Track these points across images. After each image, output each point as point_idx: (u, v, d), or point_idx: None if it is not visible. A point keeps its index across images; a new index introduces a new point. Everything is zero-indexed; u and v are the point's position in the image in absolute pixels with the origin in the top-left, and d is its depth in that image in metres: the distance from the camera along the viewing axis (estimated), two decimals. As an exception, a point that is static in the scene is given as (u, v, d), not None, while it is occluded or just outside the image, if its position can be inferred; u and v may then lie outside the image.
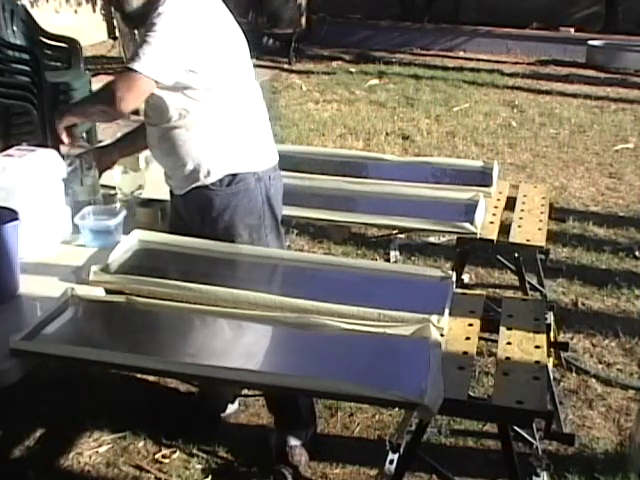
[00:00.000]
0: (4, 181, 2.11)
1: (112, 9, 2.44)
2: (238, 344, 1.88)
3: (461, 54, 10.35)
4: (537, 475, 2.05)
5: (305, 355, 1.85)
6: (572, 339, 3.31)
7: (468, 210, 2.69)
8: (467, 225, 2.57)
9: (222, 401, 2.77)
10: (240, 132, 2.28)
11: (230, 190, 2.25)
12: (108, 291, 1.98)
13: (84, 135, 5.45)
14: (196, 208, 2.29)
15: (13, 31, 5.47)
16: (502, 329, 1.97)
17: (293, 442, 2.50)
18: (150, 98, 2.16)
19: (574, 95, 7.93)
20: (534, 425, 2.33)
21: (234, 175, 2.25)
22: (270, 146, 2.40)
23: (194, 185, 2.26)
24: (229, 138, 2.26)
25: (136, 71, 2.04)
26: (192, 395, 2.87)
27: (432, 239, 4.31)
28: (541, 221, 2.82)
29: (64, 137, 2.31)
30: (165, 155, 2.29)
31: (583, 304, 3.67)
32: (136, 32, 2.26)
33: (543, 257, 3.10)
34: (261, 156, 2.34)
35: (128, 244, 2.19)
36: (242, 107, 2.29)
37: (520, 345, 1.89)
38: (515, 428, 2.25)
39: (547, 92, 8.06)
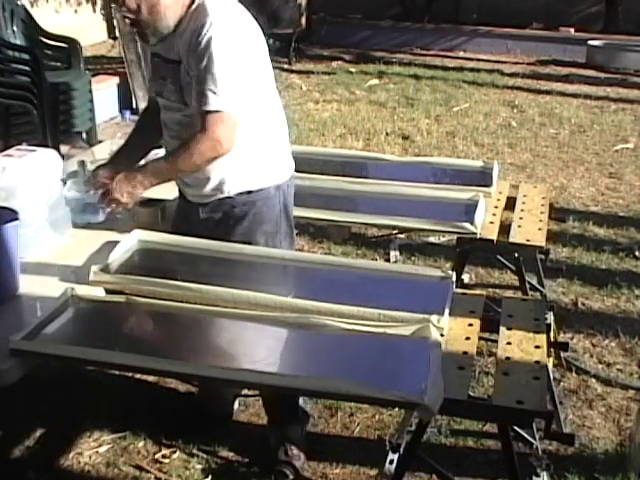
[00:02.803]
0: (4, 181, 2.11)
1: (135, 27, 2.24)
2: (238, 344, 1.89)
3: (461, 54, 10.34)
4: (537, 475, 2.05)
5: (305, 355, 1.85)
6: (572, 339, 3.31)
7: (468, 210, 2.69)
8: (467, 225, 2.57)
9: (228, 403, 2.77)
10: (266, 146, 2.28)
11: (250, 199, 2.25)
12: (108, 291, 1.98)
13: (84, 135, 5.46)
14: (213, 215, 2.28)
15: (13, 31, 5.47)
16: (502, 329, 1.97)
17: (292, 438, 2.50)
18: (181, 115, 2.17)
19: (574, 95, 7.93)
20: (534, 425, 2.33)
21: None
22: (289, 155, 2.40)
23: (216, 198, 2.25)
24: (257, 153, 2.25)
25: (223, 111, 2.05)
26: (192, 395, 2.87)
27: (432, 239, 4.31)
28: (541, 221, 2.82)
29: (127, 200, 2.18)
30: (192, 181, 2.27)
31: (583, 304, 3.67)
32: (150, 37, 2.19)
33: (543, 257, 3.10)
34: (283, 167, 2.35)
35: (128, 244, 2.19)
36: (269, 120, 2.28)
37: (520, 345, 1.89)
38: (515, 428, 2.25)
39: (547, 92, 8.06)
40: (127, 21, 2.12)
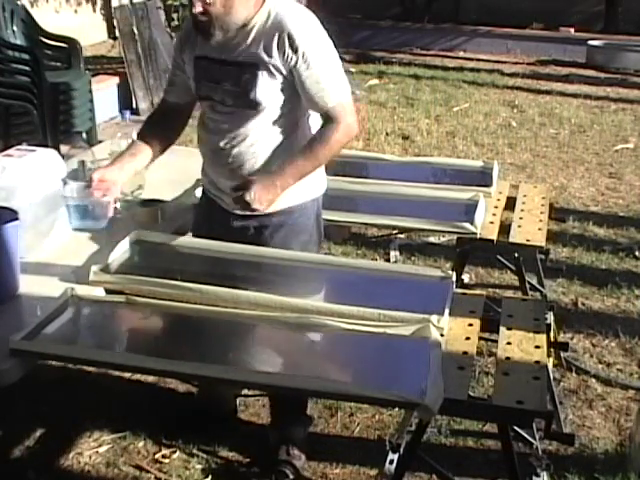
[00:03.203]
0: (4, 181, 2.12)
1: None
2: (238, 344, 1.89)
3: (461, 54, 10.34)
4: (537, 475, 2.05)
5: (305, 355, 1.85)
6: (572, 339, 3.31)
7: (468, 210, 2.69)
8: (467, 225, 2.57)
9: (229, 403, 2.76)
10: None
11: (289, 209, 2.25)
12: (108, 291, 1.98)
13: (84, 135, 5.46)
14: (248, 223, 2.25)
15: (13, 31, 5.47)
16: (502, 329, 1.97)
17: (293, 439, 2.51)
18: (239, 116, 2.15)
19: (574, 95, 7.93)
20: (534, 425, 2.33)
21: None
22: (323, 169, 2.37)
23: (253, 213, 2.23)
24: None
25: (344, 102, 2.14)
26: (192, 395, 2.87)
27: (432, 239, 4.31)
28: (541, 221, 2.82)
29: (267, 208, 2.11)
30: (231, 182, 2.20)
31: (583, 304, 3.67)
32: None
33: (543, 257, 3.10)
34: (321, 181, 2.36)
35: (128, 244, 2.19)
36: (310, 132, 2.27)
37: (520, 345, 1.89)
38: (515, 428, 2.25)
39: (547, 92, 8.06)
40: (197, 10, 2.02)
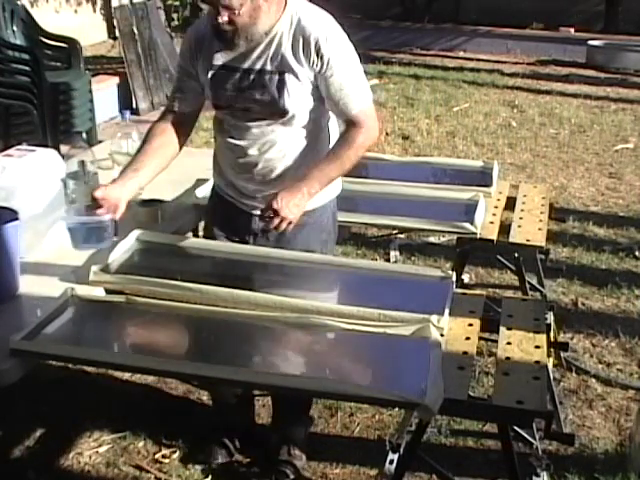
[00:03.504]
0: (4, 181, 2.12)
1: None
2: (238, 344, 1.88)
3: (461, 54, 10.34)
4: (537, 475, 2.05)
5: (305, 355, 1.85)
6: (572, 339, 3.32)
7: (468, 210, 2.69)
8: (467, 225, 2.57)
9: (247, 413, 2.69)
10: None
11: (312, 210, 2.24)
12: (108, 291, 1.98)
13: (84, 135, 5.46)
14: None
15: (13, 31, 5.47)
16: (502, 329, 1.97)
17: (294, 439, 2.51)
18: (266, 124, 2.14)
19: (574, 95, 7.93)
20: (534, 425, 2.33)
21: None
22: None
23: None
24: None
25: (366, 108, 2.14)
26: (192, 395, 2.87)
27: (432, 239, 4.31)
28: (541, 221, 2.82)
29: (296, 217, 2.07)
30: (252, 187, 2.22)
31: (583, 304, 3.67)
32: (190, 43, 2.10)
33: (543, 257, 3.10)
34: (339, 181, 2.36)
35: (128, 244, 2.19)
36: (331, 135, 2.28)
37: (520, 345, 1.88)
38: (515, 428, 2.25)
39: (547, 92, 8.06)
40: (222, 20, 1.96)
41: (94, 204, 2.00)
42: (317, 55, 2.05)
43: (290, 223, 2.04)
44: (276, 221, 2.02)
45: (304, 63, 2.05)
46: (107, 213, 2.02)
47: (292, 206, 2.02)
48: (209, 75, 2.14)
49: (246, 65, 2.09)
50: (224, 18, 1.96)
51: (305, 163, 2.17)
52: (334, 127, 2.29)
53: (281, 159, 2.17)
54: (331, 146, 2.22)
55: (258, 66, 2.08)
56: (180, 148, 2.25)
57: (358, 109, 2.11)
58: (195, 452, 2.58)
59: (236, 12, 1.95)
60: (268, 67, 2.08)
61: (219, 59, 2.12)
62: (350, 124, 2.13)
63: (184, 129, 2.24)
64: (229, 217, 2.30)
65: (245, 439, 2.59)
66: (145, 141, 2.20)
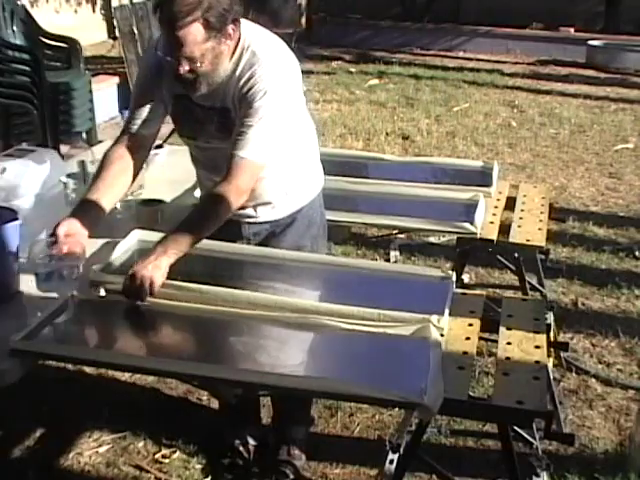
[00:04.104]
0: (4, 181, 2.12)
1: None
2: (238, 344, 1.88)
3: (461, 54, 10.35)
4: (537, 475, 2.05)
5: (305, 355, 1.85)
6: (572, 339, 3.32)
7: (468, 210, 2.69)
8: (467, 225, 2.57)
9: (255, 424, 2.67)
10: (309, 163, 2.30)
11: (300, 208, 2.27)
12: (108, 291, 1.98)
13: (84, 135, 5.46)
14: (263, 227, 2.26)
15: (13, 31, 5.47)
16: (502, 329, 1.97)
17: (295, 439, 2.51)
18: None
19: (574, 95, 7.93)
20: (534, 425, 2.33)
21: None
22: (319, 161, 2.39)
23: (264, 219, 2.25)
24: (302, 173, 2.27)
25: (253, 160, 1.99)
26: (191, 395, 2.86)
27: (432, 239, 4.31)
28: (541, 221, 2.82)
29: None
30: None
31: (583, 304, 3.67)
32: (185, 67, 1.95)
33: (543, 257, 3.10)
34: (320, 174, 2.37)
35: (128, 244, 2.19)
36: (307, 139, 2.28)
37: (520, 345, 1.88)
38: (515, 428, 2.25)
39: (547, 92, 8.06)
40: (184, 69, 1.91)
41: (56, 239, 1.90)
42: (250, 95, 1.98)
43: (152, 283, 1.83)
44: (137, 282, 1.83)
45: (244, 103, 2.00)
46: (71, 250, 1.91)
47: (150, 266, 1.84)
48: (171, 104, 2.11)
49: (207, 104, 2.07)
50: (185, 68, 1.92)
51: (281, 168, 2.16)
52: (307, 119, 2.27)
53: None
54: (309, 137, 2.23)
55: (218, 105, 2.06)
56: (135, 176, 2.16)
57: (243, 155, 1.98)
58: (197, 452, 2.58)
59: (198, 63, 1.92)
60: (228, 105, 2.05)
61: (177, 91, 2.07)
62: (227, 171, 1.99)
63: (142, 153, 2.17)
64: (220, 227, 2.20)
65: (253, 439, 2.60)
66: (103, 167, 2.11)
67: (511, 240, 2.68)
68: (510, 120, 6.92)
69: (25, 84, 5.02)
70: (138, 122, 2.13)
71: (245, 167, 1.99)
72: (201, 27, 1.87)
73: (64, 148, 5.07)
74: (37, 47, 5.44)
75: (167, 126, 2.26)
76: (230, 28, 1.94)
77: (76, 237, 1.93)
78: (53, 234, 1.91)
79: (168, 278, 1.95)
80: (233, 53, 2.00)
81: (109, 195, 2.07)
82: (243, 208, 2.19)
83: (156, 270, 1.84)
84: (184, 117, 2.13)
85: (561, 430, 2.64)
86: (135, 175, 2.16)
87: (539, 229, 2.75)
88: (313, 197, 2.32)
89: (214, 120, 2.08)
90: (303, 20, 10.45)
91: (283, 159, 2.16)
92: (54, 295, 1.89)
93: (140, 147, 2.15)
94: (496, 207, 2.87)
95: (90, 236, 2.00)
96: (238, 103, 2.02)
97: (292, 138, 2.16)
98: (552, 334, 2.04)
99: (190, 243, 1.93)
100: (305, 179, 2.30)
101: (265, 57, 2.01)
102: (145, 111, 2.12)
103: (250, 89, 1.98)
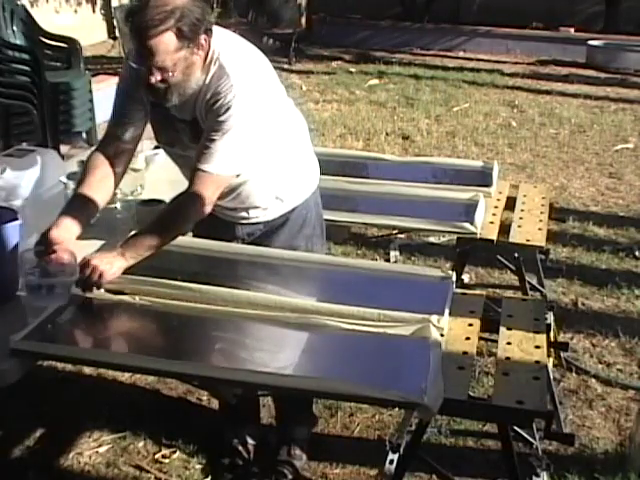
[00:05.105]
0: (4, 181, 2.12)
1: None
2: (238, 344, 1.88)
3: (461, 54, 10.35)
4: (537, 475, 2.05)
5: (305, 355, 1.85)
6: (572, 339, 3.31)
7: (468, 210, 2.69)
8: (467, 225, 2.57)
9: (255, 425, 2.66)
10: (299, 163, 2.29)
11: (291, 206, 2.26)
12: (108, 291, 1.98)
13: (84, 135, 5.47)
14: (257, 228, 2.27)
15: (13, 31, 5.47)
16: (502, 329, 1.97)
17: (296, 439, 2.51)
18: None
19: (574, 95, 7.93)
20: (534, 425, 2.33)
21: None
22: (314, 158, 2.38)
23: (257, 220, 2.25)
24: (293, 174, 2.26)
25: (212, 173, 1.96)
26: (190, 395, 2.86)
27: (432, 239, 4.31)
28: (541, 221, 2.82)
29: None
30: (231, 206, 2.21)
31: (583, 304, 3.67)
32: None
33: (543, 257, 3.10)
34: (314, 173, 2.36)
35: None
36: (295, 139, 2.27)
37: (520, 345, 1.89)
38: (515, 428, 2.25)
39: (547, 92, 8.06)
40: (155, 79, 1.90)
41: (45, 248, 1.88)
42: (217, 108, 1.96)
43: (101, 275, 1.85)
44: (86, 271, 1.85)
45: (211, 115, 1.98)
46: (60, 261, 1.88)
47: (104, 259, 1.87)
48: (149, 111, 2.10)
49: (179, 116, 2.06)
50: (157, 77, 1.90)
51: (268, 173, 2.16)
52: (294, 119, 2.26)
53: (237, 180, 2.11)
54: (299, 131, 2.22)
55: (189, 117, 2.05)
56: (119, 181, 2.16)
57: (207, 169, 1.96)
58: (196, 452, 2.58)
59: (169, 73, 1.90)
60: (191, 117, 2.04)
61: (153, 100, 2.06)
62: (191, 184, 1.98)
63: (125, 156, 2.15)
64: (215, 227, 2.26)
65: (252, 439, 2.59)
66: (87, 173, 2.10)
67: (511, 240, 2.68)
68: (510, 120, 6.92)
69: (25, 84, 5.02)
70: (120, 126, 2.12)
71: (208, 180, 1.97)
72: (173, 36, 1.86)
73: (64, 148, 5.09)
74: (37, 47, 5.45)
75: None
76: (202, 38, 1.92)
77: (65, 244, 1.91)
78: (41, 241, 1.90)
79: (168, 278, 1.95)
80: (203, 64, 1.98)
81: (95, 200, 2.06)
82: (235, 210, 2.21)
83: (108, 266, 1.86)
84: (161, 125, 2.13)
85: (561, 430, 2.64)
86: (119, 179, 2.15)
87: (539, 229, 2.75)
88: (307, 196, 2.31)
89: (187, 131, 2.08)
90: (303, 20, 10.45)
91: (268, 164, 2.15)
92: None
93: (124, 151, 2.14)
94: (496, 207, 2.87)
95: (78, 239, 1.99)
96: (205, 115, 2.01)
97: (275, 143, 2.14)
98: (552, 334, 2.04)
99: (148, 251, 1.94)
100: (296, 180, 2.29)
101: (232, 70, 1.98)
102: (127, 115, 2.11)
103: (215, 102, 1.97)
